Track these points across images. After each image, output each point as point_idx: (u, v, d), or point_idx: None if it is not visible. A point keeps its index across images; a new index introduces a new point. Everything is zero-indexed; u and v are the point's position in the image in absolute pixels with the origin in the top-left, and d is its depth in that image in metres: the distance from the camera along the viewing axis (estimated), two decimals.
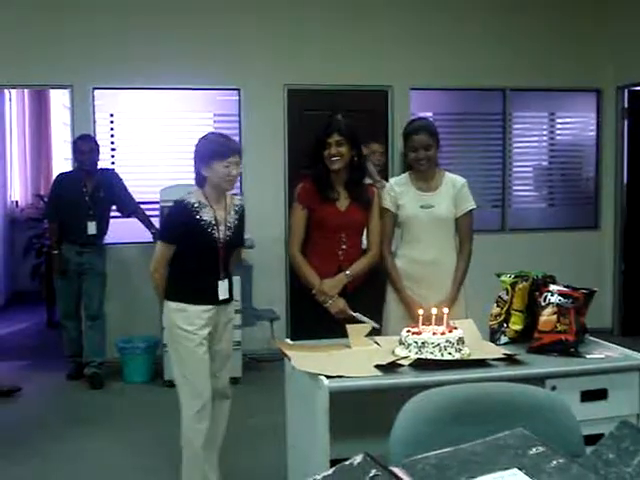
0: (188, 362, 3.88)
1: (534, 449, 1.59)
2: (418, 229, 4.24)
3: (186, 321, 3.85)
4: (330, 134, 4.12)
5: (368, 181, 4.50)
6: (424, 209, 4.21)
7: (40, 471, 4.66)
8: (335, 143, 4.11)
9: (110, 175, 6.59)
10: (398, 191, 4.27)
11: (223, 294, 3.96)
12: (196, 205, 3.84)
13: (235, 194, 6.74)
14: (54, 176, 7.47)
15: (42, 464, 4.75)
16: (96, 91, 7.00)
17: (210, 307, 3.90)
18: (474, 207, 4.32)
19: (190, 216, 3.82)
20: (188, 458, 3.90)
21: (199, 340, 3.86)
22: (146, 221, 6.63)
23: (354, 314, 4.04)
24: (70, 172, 6.75)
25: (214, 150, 3.81)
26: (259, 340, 6.66)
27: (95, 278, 6.44)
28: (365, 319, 4.00)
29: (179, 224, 3.86)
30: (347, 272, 4.17)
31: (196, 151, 3.89)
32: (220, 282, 3.93)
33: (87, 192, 6.34)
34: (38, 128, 10.38)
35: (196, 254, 3.88)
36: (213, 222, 3.85)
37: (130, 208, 6.59)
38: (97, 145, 6.48)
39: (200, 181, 3.90)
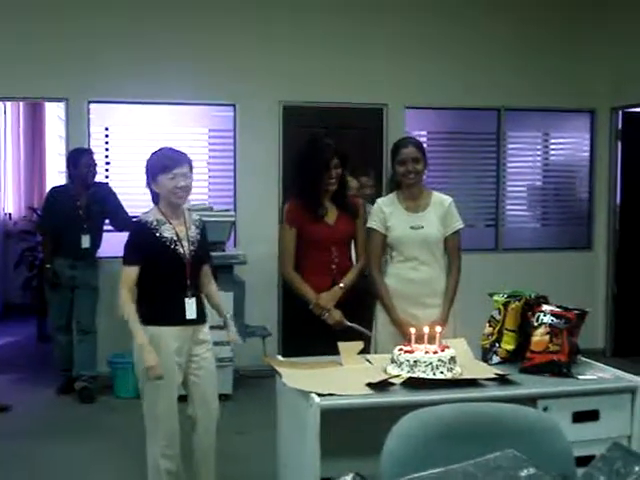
0: (159, 394, 3.79)
1: (525, 471, 1.58)
2: (409, 249, 4.26)
3: (159, 345, 3.74)
4: (331, 158, 4.22)
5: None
6: (414, 230, 4.23)
7: None
8: (334, 166, 4.23)
9: (104, 189, 6.58)
10: (387, 212, 4.29)
11: (190, 313, 3.83)
12: (154, 223, 3.78)
13: (227, 210, 6.79)
14: (48, 189, 7.45)
15: (31, 478, 4.71)
16: (91, 104, 7.01)
17: (180, 328, 3.80)
18: (462, 226, 4.36)
19: (149, 234, 3.76)
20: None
21: (171, 367, 3.78)
22: None
23: (350, 324, 4.18)
24: (63, 186, 6.73)
25: (158, 164, 3.77)
26: (251, 356, 6.62)
27: (87, 292, 6.41)
28: (361, 329, 4.16)
29: (139, 244, 3.78)
30: (341, 285, 4.29)
31: (146, 169, 3.85)
32: (187, 299, 3.82)
33: (81, 206, 6.33)
34: (32, 141, 10.37)
35: (162, 273, 3.79)
36: (175, 238, 3.78)
37: (124, 222, 6.56)
38: (94, 159, 6.50)
39: (154, 198, 3.87)
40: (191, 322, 3.85)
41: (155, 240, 3.76)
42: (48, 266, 6.39)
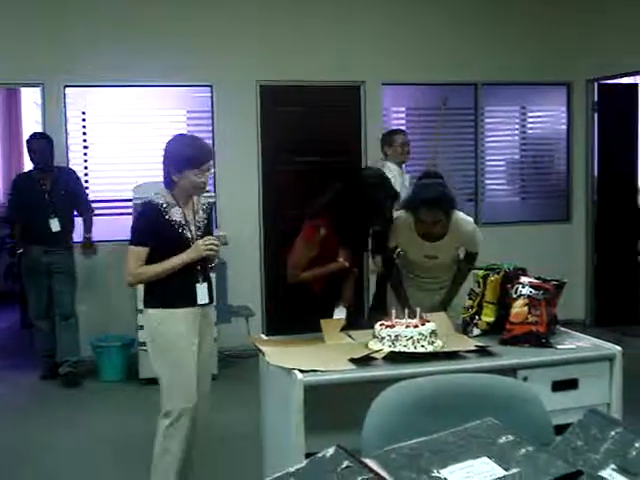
0: (181, 365, 3.73)
1: (503, 438, 1.62)
2: (421, 271, 4.39)
3: (174, 324, 3.71)
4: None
5: None
6: (428, 259, 4.29)
7: (15, 471, 4.64)
8: None
9: (70, 173, 6.57)
10: (400, 239, 4.31)
11: (202, 298, 3.80)
12: (165, 205, 3.70)
13: (207, 191, 6.76)
14: None
15: (17, 464, 4.73)
16: (67, 89, 6.96)
17: (192, 310, 3.76)
18: (478, 251, 4.38)
19: (159, 216, 3.68)
20: (164, 463, 3.82)
21: (191, 342, 3.75)
22: (89, 226, 6.58)
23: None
24: (27, 172, 6.71)
25: (189, 158, 3.65)
26: (234, 337, 6.64)
27: (65, 277, 6.39)
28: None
29: (149, 225, 3.72)
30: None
31: (168, 155, 3.72)
32: (198, 285, 3.78)
33: (46, 189, 6.29)
34: (9, 127, 10.29)
35: (170, 256, 3.71)
36: (183, 222, 3.72)
37: (84, 208, 6.56)
38: (51, 142, 6.39)
39: (169, 184, 3.75)
40: (201, 305, 3.83)
41: (164, 222, 3.69)
42: (20, 251, 6.43)
